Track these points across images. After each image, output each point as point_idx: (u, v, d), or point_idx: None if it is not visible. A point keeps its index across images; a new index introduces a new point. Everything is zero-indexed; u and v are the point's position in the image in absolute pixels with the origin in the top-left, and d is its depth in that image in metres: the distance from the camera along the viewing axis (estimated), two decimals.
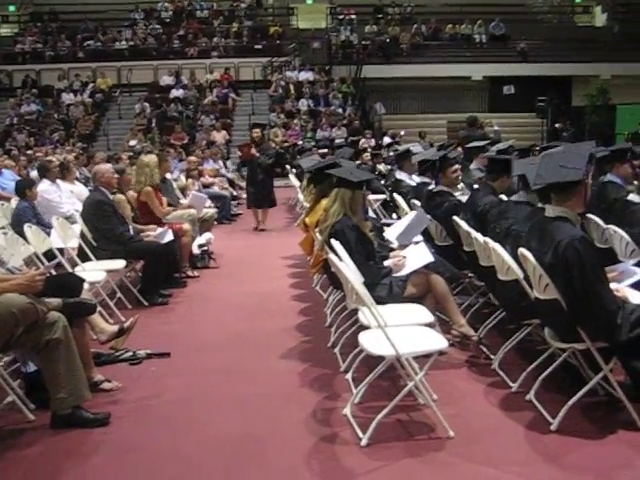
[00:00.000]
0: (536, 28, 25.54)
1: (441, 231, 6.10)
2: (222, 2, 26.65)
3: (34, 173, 10.57)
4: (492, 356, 4.80)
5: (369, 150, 14.45)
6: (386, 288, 4.77)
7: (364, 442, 3.69)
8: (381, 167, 12.45)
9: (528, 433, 3.79)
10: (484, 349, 4.99)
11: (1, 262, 4.58)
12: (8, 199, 8.96)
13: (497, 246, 4.32)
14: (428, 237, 6.08)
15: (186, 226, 7.86)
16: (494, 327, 5.13)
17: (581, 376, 4.10)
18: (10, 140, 20.15)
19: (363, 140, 19.42)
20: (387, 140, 18.89)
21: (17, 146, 18.59)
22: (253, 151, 11.08)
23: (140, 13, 26.03)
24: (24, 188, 7.75)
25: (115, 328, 4.99)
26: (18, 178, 10.20)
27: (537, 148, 10.27)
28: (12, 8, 26.68)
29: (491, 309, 5.34)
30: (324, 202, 5.54)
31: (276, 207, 11.99)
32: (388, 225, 6.58)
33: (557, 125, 21.39)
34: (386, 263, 5.02)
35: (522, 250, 3.91)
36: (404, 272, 4.91)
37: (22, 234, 6.08)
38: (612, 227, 5.26)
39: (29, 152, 15.89)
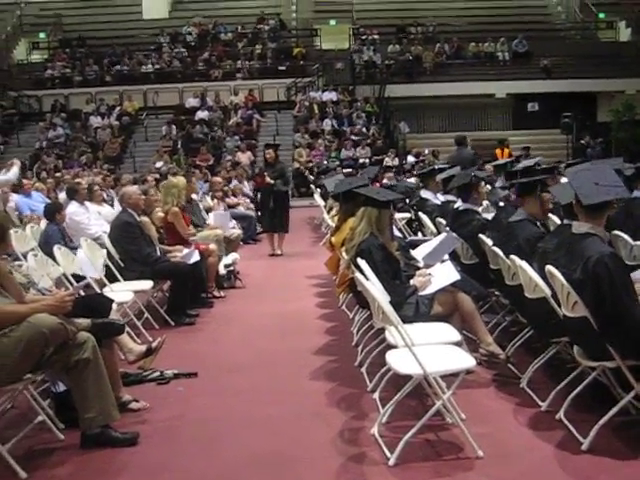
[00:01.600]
0: (559, 44, 25.45)
1: (467, 249, 6.07)
2: (246, 25, 27.00)
3: (62, 195, 10.73)
4: (520, 375, 4.75)
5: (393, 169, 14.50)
6: (413, 307, 4.76)
7: (392, 462, 3.66)
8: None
9: (558, 453, 3.73)
10: (512, 368, 4.94)
11: (31, 283, 4.64)
12: (38, 221, 9.09)
13: (524, 264, 4.30)
14: (454, 255, 6.06)
15: (212, 246, 7.91)
16: (522, 345, 5.08)
17: (612, 395, 4.04)
18: (39, 163, 20.52)
19: (387, 159, 19.46)
20: (411, 159, 18.91)
21: (46, 169, 18.92)
22: (267, 179, 10.91)
23: (166, 37, 26.46)
24: (53, 211, 7.85)
25: (143, 348, 5.03)
26: (47, 200, 10.36)
27: (562, 165, 10.21)
28: (42, 35, 27.28)
29: (519, 327, 5.29)
30: (351, 221, 5.55)
31: (301, 227, 11.99)
32: (416, 243, 6.57)
33: (582, 141, 21.19)
34: (412, 282, 5.00)
35: (549, 267, 3.88)
36: (430, 290, 4.90)
37: (51, 255, 6.17)
38: None
39: (57, 174, 16.15)
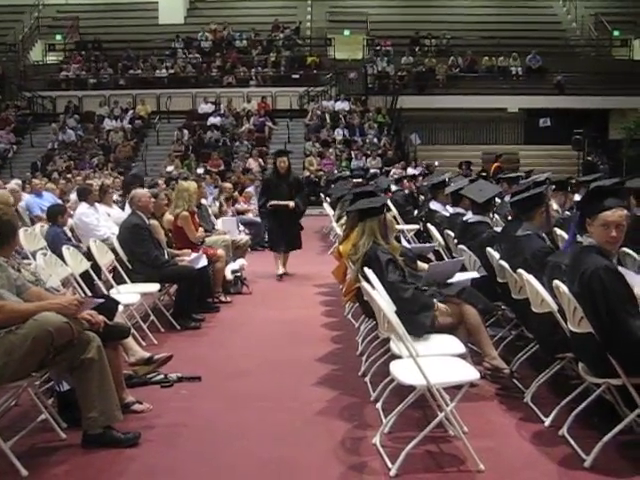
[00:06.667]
0: (573, 61, 25.46)
1: (475, 262, 6.06)
2: (261, 32, 27.13)
3: (73, 196, 10.79)
4: (524, 389, 4.73)
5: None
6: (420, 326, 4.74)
7: (393, 472, 3.65)
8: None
9: (561, 469, 3.72)
10: (516, 382, 4.92)
11: (39, 281, 4.66)
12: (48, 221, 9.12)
13: (531, 278, 4.28)
14: (462, 268, 6.03)
15: (220, 252, 7.93)
16: (527, 360, 5.06)
17: (616, 412, 4.02)
18: (51, 164, 20.64)
19: (393, 170, 19.43)
20: (411, 171, 18.84)
21: (58, 170, 19.03)
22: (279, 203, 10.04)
23: (180, 42, 26.64)
24: (56, 214, 7.84)
25: (146, 355, 5.07)
26: (58, 201, 10.41)
27: (573, 181, 10.18)
28: (59, 37, 27.49)
29: (524, 341, 5.28)
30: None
31: (309, 235, 11.89)
32: (421, 253, 6.57)
33: (589, 158, 21.10)
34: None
35: (556, 282, 3.87)
36: (453, 280, 5.04)
37: (59, 256, 6.18)
38: None
39: (69, 175, 16.24)
